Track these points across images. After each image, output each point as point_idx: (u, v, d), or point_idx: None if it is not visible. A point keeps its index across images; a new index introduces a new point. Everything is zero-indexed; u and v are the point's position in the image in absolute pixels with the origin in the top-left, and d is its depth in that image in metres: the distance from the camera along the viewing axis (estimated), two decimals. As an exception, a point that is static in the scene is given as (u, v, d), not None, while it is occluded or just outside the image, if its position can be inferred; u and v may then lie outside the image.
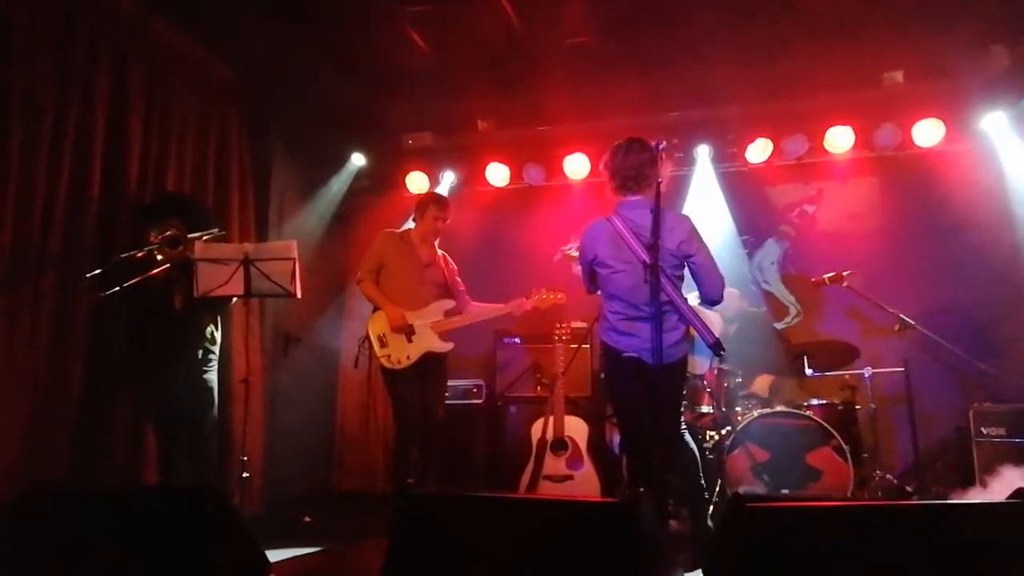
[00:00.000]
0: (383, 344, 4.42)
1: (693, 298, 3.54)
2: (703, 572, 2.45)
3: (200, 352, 4.08)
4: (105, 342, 4.04)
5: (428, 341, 4.42)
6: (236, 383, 4.68)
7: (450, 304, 4.55)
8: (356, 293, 6.32)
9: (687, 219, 3.40)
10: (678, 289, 3.28)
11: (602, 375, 3.50)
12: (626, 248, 3.25)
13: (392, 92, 5.88)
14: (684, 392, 3.65)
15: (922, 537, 2.02)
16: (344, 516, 5.21)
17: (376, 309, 4.52)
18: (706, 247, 3.37)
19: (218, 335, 4.23)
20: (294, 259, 4.07)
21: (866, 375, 4.87)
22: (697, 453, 3.83)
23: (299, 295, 4.16)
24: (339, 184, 6.56)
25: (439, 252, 4.71)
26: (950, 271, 5.46)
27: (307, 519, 4.87)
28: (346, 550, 4.13)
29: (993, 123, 5.55)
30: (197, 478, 3.98)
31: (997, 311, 5.27)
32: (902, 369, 4.82)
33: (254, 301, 4.93)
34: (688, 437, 3.79)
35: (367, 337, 4.50)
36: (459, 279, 4.75)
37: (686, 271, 3.38)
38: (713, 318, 4.17)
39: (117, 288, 3.66)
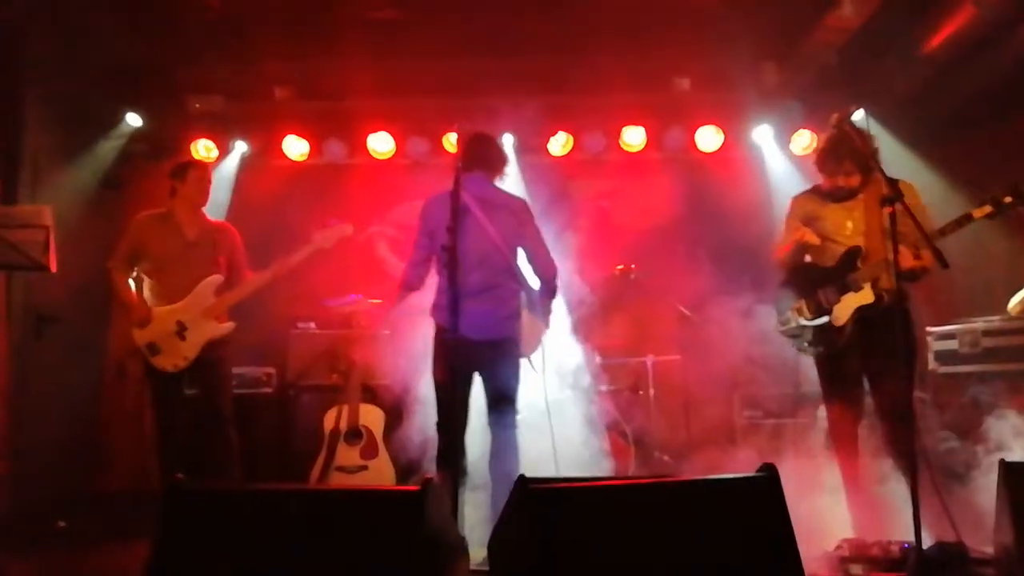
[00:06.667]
0: (155, 352, 4.00)
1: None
2: (487, 550, 2.46)
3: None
4: None
5: (205, 330, 4.04)
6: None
7: (218, 280, 4.12)
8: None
9: (524, 202, 3.64)
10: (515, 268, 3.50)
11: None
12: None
13: (178, 47, 5.30)
14: (516, 370, 3.57)
15: (685, 507, 2.25)
16: (108, 518, 4.67)
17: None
18: (538, 230, 3.63)
19: None
20: (48, 227, 3.55)
21: (648, 363, 5.20)
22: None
23: (54, 269, 3.61)
24: (110, 146, 5.83)
25: (214, 221, 4.32)
26: (724, 268, 5.96)
27: (61, 524, 4.30)
28: (104, 553, 3.71)
29: (762, 134, 6.15)
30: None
31: (763, 308, 5.85)
32: (679, 357, 5.21)
33: (-2, 275, 4.26)
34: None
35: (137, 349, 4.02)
36: (242, 250, 4.32)
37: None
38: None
39: None
